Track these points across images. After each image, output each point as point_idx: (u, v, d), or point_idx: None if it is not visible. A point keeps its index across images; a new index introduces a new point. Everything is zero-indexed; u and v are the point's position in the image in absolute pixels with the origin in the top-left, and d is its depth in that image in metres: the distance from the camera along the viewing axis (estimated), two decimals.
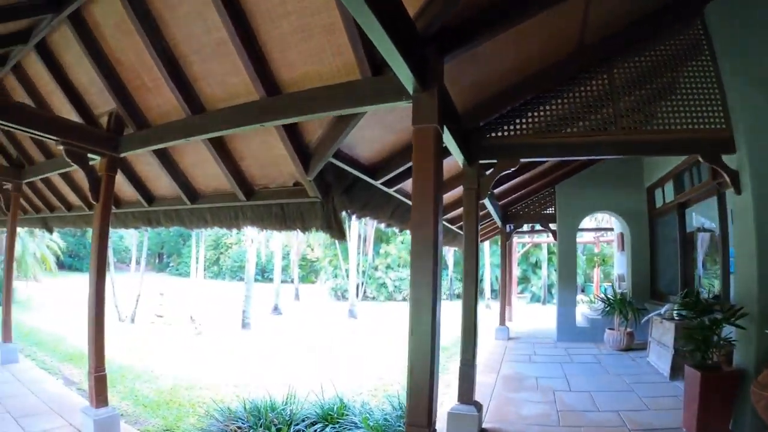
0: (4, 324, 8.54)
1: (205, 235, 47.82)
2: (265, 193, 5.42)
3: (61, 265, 27.62)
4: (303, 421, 5.58)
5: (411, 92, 3.16)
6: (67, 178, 8.03)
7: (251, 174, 5.43)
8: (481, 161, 5.44)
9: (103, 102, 5.86)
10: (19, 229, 21.23)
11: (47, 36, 5.50)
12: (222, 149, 5.17)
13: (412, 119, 3.19)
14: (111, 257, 19.08)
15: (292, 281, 33.25)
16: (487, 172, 5.64)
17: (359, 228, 25.52)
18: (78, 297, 20.93)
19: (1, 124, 5.19)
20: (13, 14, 4.61)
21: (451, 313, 6.14)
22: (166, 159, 5.88)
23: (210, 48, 4.17)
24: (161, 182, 6.50)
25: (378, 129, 4.61)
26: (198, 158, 5.68)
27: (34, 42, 5.49)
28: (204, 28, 4.02)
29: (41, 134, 5.43)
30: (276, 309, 21.96)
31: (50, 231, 10.78)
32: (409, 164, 4.53)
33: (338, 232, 4.91)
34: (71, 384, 7.79)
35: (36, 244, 21.68)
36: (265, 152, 5.07)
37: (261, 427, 5.29)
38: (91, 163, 5.78)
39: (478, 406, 5.21)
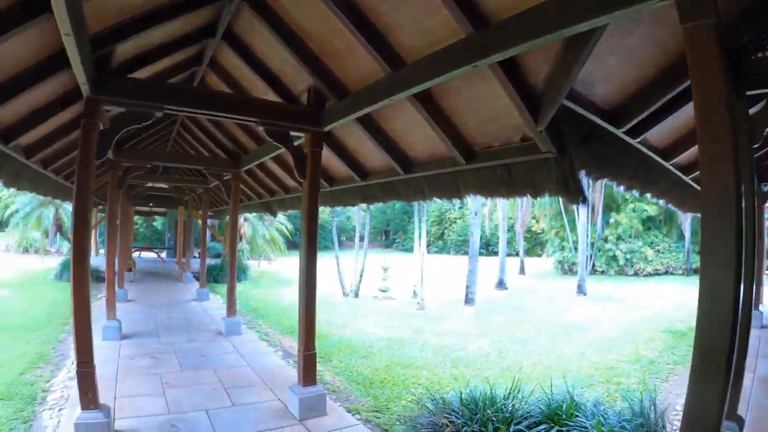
0: (228, 300, 9.39)
1: (428, 210, 49.33)
2: (488, 153, 4.61)
3: (292, 245, 30.53)
4: (525, 419, 4.77)
5: None
6: (280, 161, 8.36)
7: (469, 133, 4.69)
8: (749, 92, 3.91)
9: (300, 79, 5.76)
10: (248, 215, 24.38)
11: (233, 25, 5.58)
12: (432, 108, 4.54)
13: (680, 16, 2.08)
14: (335, 236, 20.38)
15: (517, 254, 32.18)
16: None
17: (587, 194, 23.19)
18: None
19: (207, 114, 5.51)
20: (192, 4, 4.62)
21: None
22: (373, 127, 5.53)
23: None
24: (373, 155, 6.24)
25: (615, 59, 3.45)
26: (407, 122, 5.21)
27: (221, 32, 5.59)
28: None
29: (242, 118, 5.58)
30: (501, 283, 21.20)
31: (274, 214, 11.68)
32: (660, 104, 3.56)
33: (576, 193, 3.88)
34: (289, 357, 8.14)
35: (265, 227, 24.65)
36: (483, 105, 4.30)
37: (476, 423, 4.63)
38: (296, 143, 5.72)
39: None
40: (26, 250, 20.77)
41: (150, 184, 16.45)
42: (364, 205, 20.18)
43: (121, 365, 7.01)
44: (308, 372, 5.48)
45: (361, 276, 17.36)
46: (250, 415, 5.39)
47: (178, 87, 6.40)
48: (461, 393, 5.14)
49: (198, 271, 14.60)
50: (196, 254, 18.67)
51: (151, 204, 23.98)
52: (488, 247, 40.05)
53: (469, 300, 16.19)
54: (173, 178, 14.99)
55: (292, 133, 5.67)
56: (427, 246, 47.72)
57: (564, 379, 5.73)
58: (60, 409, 5.49)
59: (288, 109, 5.80)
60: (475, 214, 18.25)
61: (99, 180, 10.96)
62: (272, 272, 24.68)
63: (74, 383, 6.33)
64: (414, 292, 17.22)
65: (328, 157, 6.51)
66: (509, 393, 5.12)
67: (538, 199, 4.89)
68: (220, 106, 5.36)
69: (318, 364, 7.48)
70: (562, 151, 3.82)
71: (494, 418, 4.67)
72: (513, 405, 4.94)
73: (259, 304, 14.06)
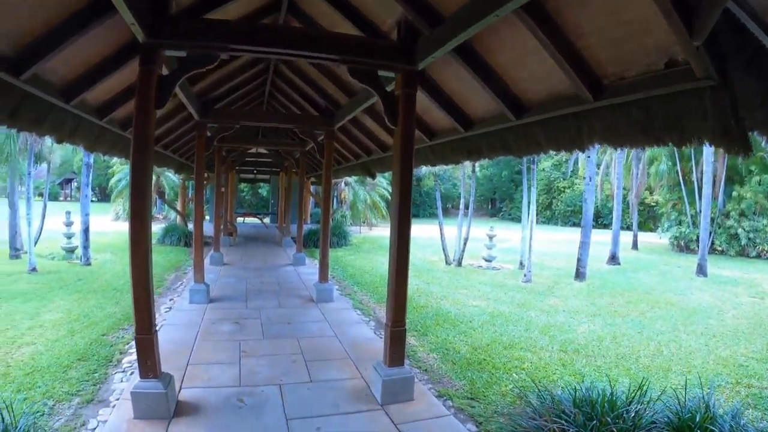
0: (321, 265, 8.82)
1: (537, 178, 46.63)
2: (621, 87, 3.39)
3: None
4: (649, 430, 3.70)
5: None
6: (375, 115, 7.53)
7: (596, 58, 3.48)
8: None
9: (387, 11, 4.86)
10: (349, 179, 23.86)
11: None
12: (549, 28, 3.41)
13: None
14: (439, 203, 19.49)
15: (629, 228, 29.55)
16: None
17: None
18: (411, 244, 22.09)
19: (279, 52, 4.80)
20: None
21: None
22: (476, 63, 4.45)
23: None
24: (477, 99, 5.13)
25: None
26: (516, 52, 4.13)
27: None
28: None
29: (319, 56, 4.75)
30: (613, 258, 19.30)
31: (373, 176, 10.86)
32: None
33: (740, 138, 2.69)
34: (381, 328, 7.47)
35: (367, 191, 23.78)
36: (616, 18, 3.12)
37: (592, 430, 3.63)
38: (388, 88, 4.87)
39: None
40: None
41: (251, 150, 16.57)
42: (469, 171, 19.23)
43: (202, 330, 6.73)
44: (395, 350, 4.73)
45: (464, 244, 16.34)
46: (327, 395, 4.78)
47: (242, 23, 5.66)
48: (575, 391, 4.11)
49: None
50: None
51: (254, 171, 24.40)
52: (597, 219, 37.38)
53: (579, 275, 14.67)
54: (269, 141, 14.74)
55: (381, 74, 4.81)
56: (536, 215, 45.46)
57: (688, 376, 4.54)
58: (132, 373, 5.22)
59: (374, 44, 4.94)
60: (590, 180, 16.48)
61: (190, 144, 10.86)
62: (373, 238, 24.25)
63: None
64: (520, 263, 16.01)
65: (424, 104, 5.56)
66: (632, 395, 4.02)
67: (657, 166, 3.53)
68: (294, 43, 4.58)
69: (412, 338, 6.75)
70: (724, 77, 2.62)
71: (614, 430, 3.63)
72: (637, 410, 3.88)
73: (357, 271, 13.57)
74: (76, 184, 49.00)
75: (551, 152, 4.67)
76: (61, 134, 4.76)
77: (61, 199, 49.39)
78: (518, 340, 7.59)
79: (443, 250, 16.66)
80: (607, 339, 8.01)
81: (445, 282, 12.64)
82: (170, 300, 8.78)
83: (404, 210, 4.68)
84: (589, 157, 17.05)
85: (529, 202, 16.21)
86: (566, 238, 28.30)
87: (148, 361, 4.07)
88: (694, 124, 2.90)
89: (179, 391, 4.59)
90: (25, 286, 9.96)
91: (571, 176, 44.51)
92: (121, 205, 23.23)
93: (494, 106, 4.76)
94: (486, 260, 16.46)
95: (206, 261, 12.60)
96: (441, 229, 16.94)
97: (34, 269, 11.48)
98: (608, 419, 3.69)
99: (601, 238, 22.97)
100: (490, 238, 16.79)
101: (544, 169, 47.75)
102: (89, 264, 12.92)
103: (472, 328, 8.17)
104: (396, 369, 4.66)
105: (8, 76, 3.37)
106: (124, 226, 23.62)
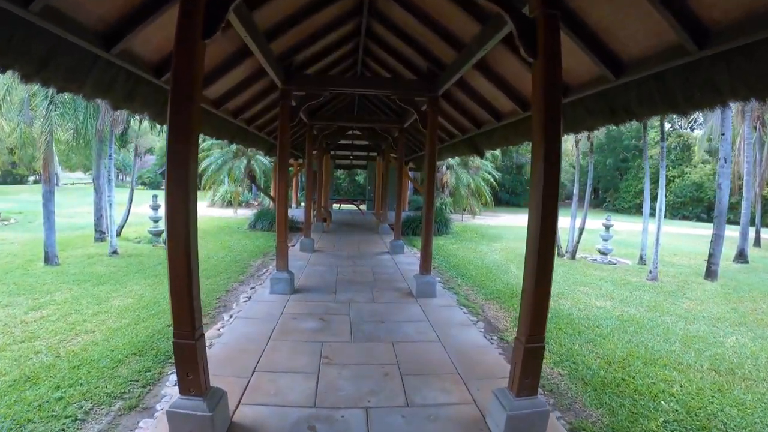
0: (423, 255, 7.60)
1: (648, 165, 42.44)
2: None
3: (497, 201, 27.51)
4: None
5: None
6: (489, 73, 6.10)
7: None
8: None
9: None
10: (451, 161, 22.03)
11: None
12: None
13: None
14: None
15: (753, 223, 25.76)
16: None
17: None
18: (515, 233, 20.74)
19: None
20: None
21: None
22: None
23: None
24: (632, 28, 3.53)
25: None
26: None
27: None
28: None
29: None
30: (741, 255, 16.41)
31: (480, 154, 9.29)
32: None
33: None
34: (492, 332, 6.19)
35: (470, 175, 21.53)
36: None
37: None
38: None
39: None
40: (229, 204, 21.83)
41: (345, 131, 15.71)
42: (572, 159, 17.13)
43: (279, 326, 5.75)
44: (528, 374, 3.33)
45: (579, 235, 14.48)
46: (428, 429, 3.52)
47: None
48: None
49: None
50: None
51: (350, 157, 23.68)
52: (709, 211, 33.20)
53: (711, 273, 12.30)
54: (364, 118, 13.85)
55: None
56: (642, 207, 41.25)
57: None
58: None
59: None
60: (725, 162, 13.73)
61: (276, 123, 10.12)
62: (476, 227, 22.70)
63: (220, 340, 5.22)
64: (640, 257, 13.93)
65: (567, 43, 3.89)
66: None
67: None
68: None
69: None
70: None
71: None
72: None
73: (460, 261, 12.21)
74: None
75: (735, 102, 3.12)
76: None
77: (163, 188, 51.38)
78: (659, 354, 6.07)
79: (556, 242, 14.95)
80: (762, 356, 6.24)
81: (560, 277, 10.96)
82: (251, 288, 7.98)
83: (550, 190, 3.23)
84: (723, 134, 14.39)
85: (659, 186, 13.98)
86: (681, 231, 25.70)
87: (190, 374, 3.05)
88: None
89: (236, 408, 3.59)
90: (102, 269, 9.67)
91: (679, 164, 40.40)
92: (213, 190, 23.16)
93: (665, 36, 3.22)
94: (601, 253, 14.56)
95: (296, 247, 11.93)
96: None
97: (115, 252, 11.29)
98: None
99: (706, 233, 19.73)
100: (607, 228, 14.86)
101: (651, 157, 43.72)
102: None
103: (600, 335, 6.66)
104: (527, 401, 3.31)
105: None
106: (218, 212, 24.02)
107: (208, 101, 6.34)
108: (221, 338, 5.26)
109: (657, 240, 12.10)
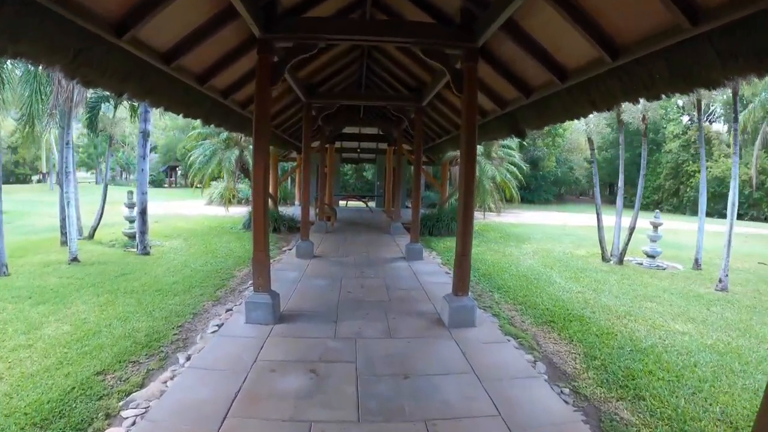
0: (457, 271, 5.57)
1: (662, 161, 40.29)
2: None
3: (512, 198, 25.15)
4: None
5: None
6: None
7: None
8: None
9: None
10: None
11: None
12: None
13: None
14: (597, 187, 15.69)
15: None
16: None
17: None
18: (544, 233, 18.54)
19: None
20: None
21: None
22: None
23: None
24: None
25: None
26: None
27: None
28: None
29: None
30: None
31: (522, 135, 7.67)
32: None
33: None
34: (560, 378, 4.31)
35: (494, 167, 18.74)
36: None
37: None
38: None
39: None
40: (229, 201, 19.83)
41: (353, 116, 15.11)
42: (587, 153, 14.99)
43: (248, 384, 3.76)
44: None
45: (629, 236, 12.31)
46: None
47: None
48: None
49: (409, 221, 11.28)
50: (408, 204, 15.97)
51: (358, 151, 21.74)
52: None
53: None
54: (374, 94, 12.63)
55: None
56: (659, 204, 39.12)
57: None
58: None
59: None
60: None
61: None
62: (498, 225, 20.59)
63: (149, 414, 3.28)
64: (696, 261, 11.83)
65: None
66: None
67: None
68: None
69: (619, 404, 3.74)
70: None
71: None
72: None
73: (491, 268, 10.09)
74: (180, 171, 49.07)
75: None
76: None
77: (166, 186, 49.81)
78: (734, 385, 4.59)
79: (600, 242, 12.81)
80: None
81: (615, 288, 8.86)
82: (227, 311, 6.06)
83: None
84: None
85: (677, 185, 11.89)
86: (712, 230, 23.38)
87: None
88: None
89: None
90: (54, 281, 7.76)
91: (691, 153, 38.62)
92: (209, 186, 20.66)
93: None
94: (648, 256, 12.44)
95: (292, 251, 9.95)
96: (599, 217, 13.16)
97: (74, 259, 9.38)
98: None
99: (739, 230, 17.35)
100: (655, 227, 12.81)
101: (670, 151, 41.55)
102: (147, 253, 10.67)
103: (703, 379, 4.72)
104: None
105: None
106: (215, 210, 21.90)
107: (153, 53, 4.45)
108: (152, 411, 3.31)
109: (728, 243, 9.97)
